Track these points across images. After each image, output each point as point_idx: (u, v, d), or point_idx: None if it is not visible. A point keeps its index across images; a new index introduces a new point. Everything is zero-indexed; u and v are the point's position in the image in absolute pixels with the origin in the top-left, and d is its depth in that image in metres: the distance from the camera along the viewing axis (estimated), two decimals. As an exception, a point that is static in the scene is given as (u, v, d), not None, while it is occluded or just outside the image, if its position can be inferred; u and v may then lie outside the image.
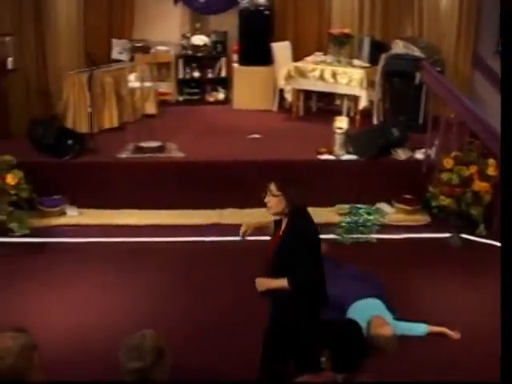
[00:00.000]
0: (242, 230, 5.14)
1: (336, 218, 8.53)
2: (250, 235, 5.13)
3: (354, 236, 8.35)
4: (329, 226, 8.37)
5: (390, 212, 8.66)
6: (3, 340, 3.52)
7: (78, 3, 11.02)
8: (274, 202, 4.74)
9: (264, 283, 4.84)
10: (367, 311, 6.08)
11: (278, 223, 4.95)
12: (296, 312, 4.83)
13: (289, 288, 4.68)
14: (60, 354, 5.66)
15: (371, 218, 8.48)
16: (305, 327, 4.87)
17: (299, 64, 11.02)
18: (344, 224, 8.42)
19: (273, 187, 4.75)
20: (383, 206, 8.70)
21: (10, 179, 7.86)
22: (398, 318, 6.19)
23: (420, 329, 6.16)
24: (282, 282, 4.69)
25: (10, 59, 9.53)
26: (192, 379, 5.32)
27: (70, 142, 8.87)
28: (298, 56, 11.51)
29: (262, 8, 11.74)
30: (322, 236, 8.05)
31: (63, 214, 8.57)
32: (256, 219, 5.35)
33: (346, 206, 8.64)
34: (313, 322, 4.87)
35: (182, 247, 8.14)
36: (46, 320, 6.33)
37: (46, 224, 8.43)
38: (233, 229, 8.27)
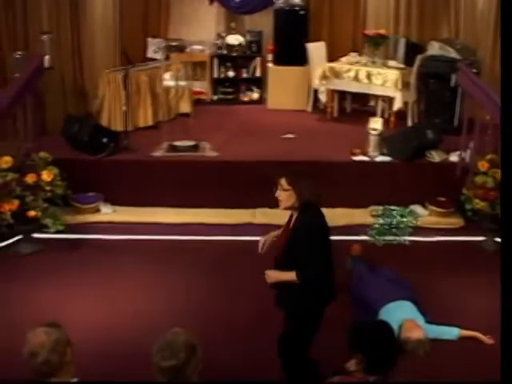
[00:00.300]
0: (260, 243, 5.25)
1: (369, 220, 8.50)
2: (268, 247, 5.21)
3: (387, 238, 8.32)
4: (362, 227, 8.36)
5: (424, 214, 8.61)
6: (37, 335, 3.56)
7: (115, 2, 11.08)
8: (285, 196, 4.79)
9: (273, 275, 4.93)
10: (399, 314, 6.05)
11: (288, 217, 5.02)
12: (302, 305, 4.89)
13: (297, 281, 4.75)
14: (90, 351, 5.70)
15: (404, 220, 8.45)
16: (310, 321, 4.97)
17: (334, 64, 11.00)
18: (377, 225, 8.39)
19: (283, 182, 4.78)
20: (417, 208, 8.66)
21: (46, 176, 7.93)
22: (430, 322, 6.15)
23: (452, 332, 6.12)
24: (291, 275, 4.77)
25: (46, 57, 9.61)
26: (223, 380, 5.34)
27: (104, 139, 8.94)
28: (332, 56, 11.49)
29: (297, 8, 11.73)
30: (355, 237, 8.17)
31: (97, 211, 8.63)
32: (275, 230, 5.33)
33: (380, 208, 8.62)
34: (318, 316, 4.99)
35: (213, 246, 8.17)
36: (78, 316, 6.37)
37: (81, 221, 8.50)
38: (265, 229, 8.33)
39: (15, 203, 7.73)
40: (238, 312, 6.63)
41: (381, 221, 8.44)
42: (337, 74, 10.82)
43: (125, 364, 5.72)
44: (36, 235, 8.24)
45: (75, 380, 3.66)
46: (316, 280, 4.79)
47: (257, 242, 8.01)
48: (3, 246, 8.13)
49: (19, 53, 9.67)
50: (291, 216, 5.00)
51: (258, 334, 6.21)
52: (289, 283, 4.84)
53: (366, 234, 8.32)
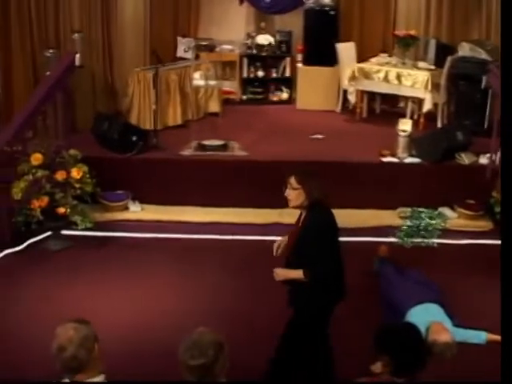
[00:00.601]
0: (275, 246, 5.28)
1: (397, 221, 8.47)
2: (283, 250, 5.22)
3: (415, 240, 8.29)
4: (390, 229, 8.34)
5: (453, 217, 8.56)
6: (65, 331, 3.59)
7: (145, 2, 11.14)
8: (294, 195, 4.84)
9: (282, 273, 4.97)
10: (426, 316, 6.01)
11: (298, 216, 5.07)
12: (312, 304, 4.93)
13: (305, 279, 4.78)
14: (115, 349, 5.70)
15: (433, 222, 8.40)
16: (318, 320, 5.02)
17: (363, 65, 10.97)
18: (405, 227, 8.36)
19: (292, 181, 4.84)
20: (445, 211, 8.61)
21: (75, 173, 7.99)
22: (458, 325, 6.11)
23: (480, 337, 6.07)
24: (299, 273, 4.82)
25: (77, 56, 9.68)
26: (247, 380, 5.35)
27: (134, 138, 8.98)
28: (362, 57, 11.45)
29: (327, 8, 11.69)
30: (382, 239, 8.13)
31: (126, 208, 8.67)
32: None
33: (408, 210, 8.58)
34: (327, 314, 5.04)
35: (241, 246, 8.18)
36: (104, 314, 6.41)
37: (109, 218, 8.55)
38: (292, 228, 8.35)
39: (45, 200, 7.81)
40: (264, 312, 6.63)
41: (409, 223, 8.41)
42: (366, 75, 10.79)
43: (150, 363, 5.75)
44: (65, 232, 8.30)
45: (102, 376, 3.68)
46: (325, 279, 4.83)
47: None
48: (33, 242, 8.20)
49: (50, 51, 9.77)
50: (300, 215, 5.04)
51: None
52: (299, 282, 4.88)
53: (394, 236, 8.30)
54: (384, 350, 4.05)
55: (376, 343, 4.15)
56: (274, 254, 5.24)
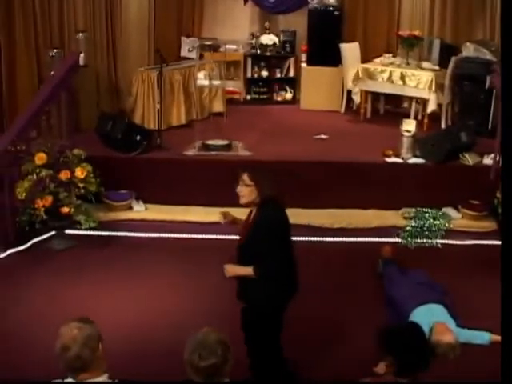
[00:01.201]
0: (222, 215, 5.29)
1: (401, 222, 8.46)
2: (227, 222, 5.30)
3: (419, 240, 8.29)
4: (394, 229, 8.33)
5: (456, 217, 8.55)
6: (69, 330, 3.58)
7: (149, 1, 11.14)
8: (246, 191, 4.87)
9: (231, 270, 5.00)
10: (430, 317, 6.01)
11: (248, 213, 5.10)
12: (264, 300, 4.94)
13: (254, 276, 4.80)
14: (117, 349, 5.70)
15: (437, 222, 8.39)
16: (271, 316, 5.02)
17: (368, 65, 10.96)
18: (409, 228, 8.35)
19: (245, 177, 4.87)
20: (449, 211, 8.60)
21: (79, 172, 8.00)
22: (461, 326, 6.11)
23: (483, 337, 6.07)
24: (249, 270, 4.85)
25: (81, 55, 9.69)
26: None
27: (137, 137, 8.98)
28: (366, 57, 11.44)
29: (331, 8, 11.70)
30: (386, 239, 8.12)
31: (130, 208, 8.67)
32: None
33: (412, 210, 8.57)
34: (280, 311, 5.07)
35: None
36: (107, 313, 6.40)
37: (113, 218, 8.56)
38: (296, 228, 8.34)
39: (49, 199, 7.82)
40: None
41: (413, 223, 8.40)
42: (370, 75, 10.78)
43: (153, 363, 5.75)
44: (69, 231, 8.31)
45: (105, 376, 3.68)
46: (274, 275, 4.86)
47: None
48: (37, 242, 8.21)
49: (55, 51, 9.78)
50: (251, 212, 5.06)
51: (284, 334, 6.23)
52: (249, 278, 4.90)
53: (397, 236, 8.29)
54: (388, 350, 4.05)
55: (380, 343, 4.15)
56: (221, 221, 5.29)
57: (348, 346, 6.05)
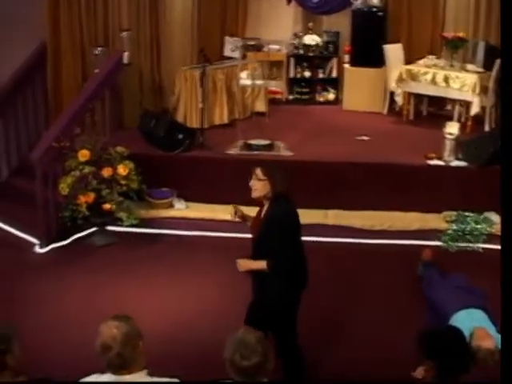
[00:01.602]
0: (233, 211, 5.43)
1: (442, 225, 8.40)
2: (238, 218, 5.43)
3: (460, 244, 8.22)
4: (435, 233, 8.27)
5: (498, 222, 8.46)
6: (109, 328, 3.60)
7: (193, 1, 11.18)
8: (259, 185, 4.97)
9: (244, 264, 5.06)
10: (470, 322, 5.95)
11: (259, 209, 5.20)
12: (275, 295, 5.01)
13: (267, 270, 4.91)
14: (157, 346, 5.73)
15: (479, 226, 8.32)
16: (282, 314, 5.10)
17: (411, 67, 10.89)
18: (450, 231, 8.29)
19: (259, 172, 4.96)
20: (491, 215, 8.51)
21: (122, 170, 8.07)
22: (502, 331, 6.04)
23: (524, 343, 6.00)
24: (262, 264, 4.92)
25: (125, 54, 9.77)
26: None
27: (180, 136, 9.03)
28: (409, 58, 11.36)
29: (375, 9, 11.64)
30: (426, 242, 8.07)
31: (171, 206, 8.72)
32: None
33: (454, 213, 8.50)
34: (292, 305, 5.14)
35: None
36: (144, 311, 6.39)
37: (154, 215, 8.61)
38: (336, 230, 8.34)
39: (91, 196, 7.90)
40: (302, 312, 6.63)
41: (454, 227, 8.33)
42: (414, 77, 10.71)
43: (188, 363, 5.74)
44: (110, 228, 8.39)
45: (144, 372, 3.69)
46: (286, 270, 4.94)
47: (328, 243, 8.13)
48: (78, 238, 8.31)
49: (99, 49, 9.85)
50: (261, 209, 5.17)
51: (320, 334, 6.22)
52: (263, 273, 4.97)
53: (438, 240, 8.23)
54: (427, 353, 4.02)
55: (419, 347, 4.12)
56: (232, 216, 5.44)
57: (387, 350, 6.02)
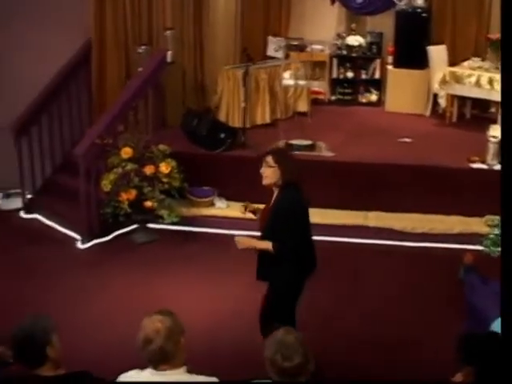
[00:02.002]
0: (243, 206, 5.69)
1: (484, 229, 8.31)
2: (250, 213, 5.64)
3: (502, 249, 8.13)
4: (476, 237, 8.19)
5: (542, 227, 8.36)
6: (152, 323, 3.63)
7: (237, 0, 11.21)
8: (269, 172, 5.09)
9: (245, 241, 5.23)
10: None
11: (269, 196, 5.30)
12: (281, 282, 5.20)
13: (272, 251, 5.05)
14: (191, 344, 5.76)
15: (521, 231, 8.21)
16: (289, 295, 5.29)
17: (455, 69, 10.79)
18: (492, 236, 8.19)
19: (269, 159, 5.09)
20: (535, 220, 8.40)
21: (164, 168, 8.12)
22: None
23: None
24: (267, 245, 5.08)
25: (169, 52, 9.81)
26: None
27: (222, 135, 9.06)
28: (454, 60, 11.26)
29: (419, 10, 11.56)
30: (468, 246, 8.00)
31: (212, 205, 8.76)
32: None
33: (496, 218, 8.39)
34: (297, 290, 5.31)
35: (323, 246, 8.16)
36: (184, 308, 6.38)
37: (195, 214, 8.66)
38: (377, 232, 8.32)
39: (133, 193, 7.96)
40: (343, 314, 6.62)
41: (496, 231, 8.23)
42: (457, 79, 10.61)
43: (221, 362, 5.73)
44: (151, 225, 8.45)
45: (184, 368, 3.71)
46: (291, 254, 5.08)
47: (368, 244, 8.10)
48: (120, 234, 8.38)
49: (143, 47, 9.91)
50: (270, 199, 5.26)
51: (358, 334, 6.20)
52: (270, 258, 5.13)
53: (480, 244, 8.15)
54: (467, 359, 3.98)
55: (459, 352, 4.08)
56: (243, 212, 5.68)
57: (424, 351, 6.00)
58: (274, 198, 5.20)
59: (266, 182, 5.15)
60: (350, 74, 12.37)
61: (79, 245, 8.21)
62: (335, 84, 12.42)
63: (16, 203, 9.24)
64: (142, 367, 3.73)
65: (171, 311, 3.76)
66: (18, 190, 9.25)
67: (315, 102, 11.38)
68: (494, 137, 8.78)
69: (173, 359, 3.63)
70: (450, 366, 4.16)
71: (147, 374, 3.68)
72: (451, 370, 4.13)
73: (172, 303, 6.30)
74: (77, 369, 3.89)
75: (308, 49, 12.00)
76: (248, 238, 5.27)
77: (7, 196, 9.29)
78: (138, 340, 3.62)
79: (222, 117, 10.14)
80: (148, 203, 8.05)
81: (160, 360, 3.62)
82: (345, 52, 12.29)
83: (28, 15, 9.09)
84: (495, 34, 10.91)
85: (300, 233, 5.12)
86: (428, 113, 11.39)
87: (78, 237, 8.31)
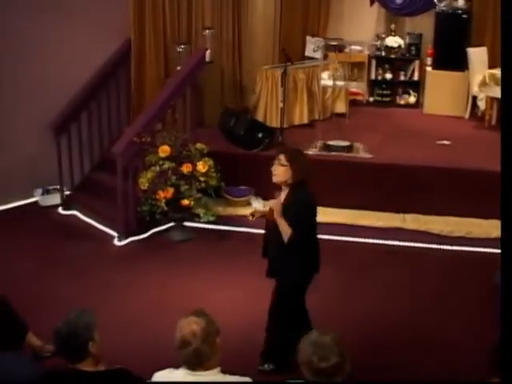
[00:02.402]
0: (250, 212, 5.69)
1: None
2: (257, 217, 5.63)
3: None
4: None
5: None
6: (189, 324, 3.64)
7: (276, 0, 11.20)
8: (281, 171, 5.13)
9: (278, 209, 5.15)
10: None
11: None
12: (292, 276, 5.33)
13: (286, 239, 5.11)
14: (229, 343, 5.75)
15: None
16: (295, 291, 5.45)
17: (495, 71, 10.67)
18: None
19: (282, 157, 5.13)
20: None
21: (201, 166, 8.13)
22: None
23: None
24: (287, 228, 5.09)
25: (208, 52, 9.84)
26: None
27: (260, 135, 9.07)
28: (494, 62, 11.12)
29: (459, 11, 11.47)
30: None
31: (248, 204, 8.72)
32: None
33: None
34: (305, 286, 5.47)
35: (360, 248, 8.15)
36: (218, 308, 6.36)
37: (231, 213, 8.67)
38: (415, 234, 8.27)
39: (170, 191, 7.98)
40: (379, 316, 6.60)
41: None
42: (498, 81, 10.48)
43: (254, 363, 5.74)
44: (187, 224, 8.48)
45: (218, 369, 3.72)
46: (301, 246, 5.17)
47: (405, 247, 8.06)
48: (156, 232, 8.43)
49: (182, 46, 9.96)
50: (282, 193, 5.30)
51: (390, 339, 6.18)
52: (280, 253, 5.28)
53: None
54: (498, 366, 3.92)
55: (491, 359, 4.03)
56: (250, 219, 5.65)
57: (453, 355, 5.95)
58: (284, 197, 5.25)
59: (276, 179, 5.21)
60: (388, 76, 12.33)
61: (116, 242, 8.27)
62: (373, 85, 12.38)
63: (55, 199, 9.34)
64: (176, 366, 3.75)
65: (206, 312, 3.77)
66: (57, 187, 9.34)
67: (353, 103, 11.32)
68: (534, 140, 8.67)
69: (208, 361, 3.65)
70: (484, 370, 4.14)
71: (181, 374, 3.70)
72: (485, 373, 4.11)
73: (206, 302, 6.28)
74: (115, 363, 3.93)
75: (347, 49, 11.92)
76: (280, 214, 5.18)
77: (46, 192, 9.38)
78: (175, 341, 3.64)
79: (259, 116, 10.14)
80: (185, 201, 8.08)
81: (196, 362, 3.63)
82: (384, 53, 12.25)
83: (66, 15, 9.16)
84: (537, 36, 10.78)
85: (309, 229, 5.25)
86: (467, 115, 11.30)
87: (114, 234, 8.38)
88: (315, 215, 5.30)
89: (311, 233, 5.32)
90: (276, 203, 5.21)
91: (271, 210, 5.31)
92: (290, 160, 5.11)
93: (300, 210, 5.12)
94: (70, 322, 3.86)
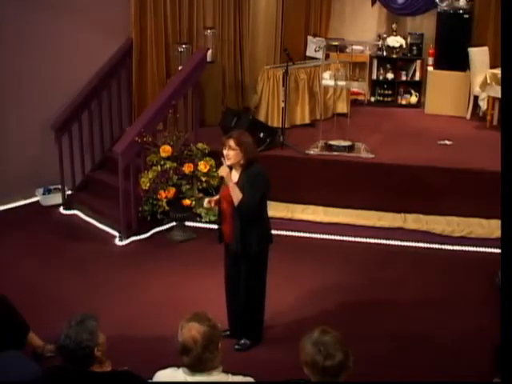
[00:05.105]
0: (206, 204, 6.06)
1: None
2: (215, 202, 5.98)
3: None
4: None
5: None
6: (189, 330, 3.62)
7: (277, 0, 11.20)
8: (233, 154, 5.59)
9: (227, 175, 5.60)
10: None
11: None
12: (253, 245, 5.77)
13: (236, 202, 5.53)
14: (228, 344, 5.72)
15: None
16: (259, 260, 5.94)
17: (497, 71, 10.67)
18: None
19: (231, 143, 5.58)
20: None
21: (202, 166, 8.13)
22: None
23: None
24: (238, 192, 5.52)
25: (209, 51, 9.85)
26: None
27: (261, 134, 9.05)
28: (495, 62, 11.15)
29: (461, 11, 11.47)
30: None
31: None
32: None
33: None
34: (264, 257, 5.97)
35: (362, 248, 8.14)
36: (217, 308, 6.38)
37: (232, 213, 8.64)
38: (416, 234, 8.25)
39: (171, 191, 7.98)
40: (382, 315, 6.59)
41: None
42: (499, 81, 10.50)
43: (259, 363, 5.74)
44: (189, 223, 8.46)
45: (219, 369, 3.71)
46: (252, 212, 5.60)
47: (406, 247, 8.05)
48: (157, 232, 8.43)
49: (183, 46, 9.97)
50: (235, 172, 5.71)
51: (391, 339, 6.18)
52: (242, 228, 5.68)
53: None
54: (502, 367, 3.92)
55: (494, 360, 4.03)
56: (205, 205, 6.07)
57: (453, 355, 5.94)
58: (238, 176, 5.65)
59: (230, 162, 5.61)
60: (390, 76, 12.34)
61: (117, 241, 8.26)
62: (375, 85, 12.40)
63: (56, 199, 9.33)
64: (178, 365, 3.74)
65: (208, 316, 3.75)
66: (58, 187, 9.34)
67: (355, 103, 11.35)
68: (535, 140, 8.67)
69: (208, 365, 3.64)
70: (484, 370, 4.14)
71: (183, 374, 3.70)
72: (486, 373, 4.11)
73: (207, 302, 6.35)
74: (117, 363, 3.92)
75: (348, 49, 11.93)
76: (231, 180, 5.60)
77: (48, 192, 9.38)
78: (176, 345, 3.63)
79: (261, 116, 10.15)
80: (186, 201, 8.07)
81: (196, 367, 3.62)
82: (385, 53, 12.27)
83: (68, 14, 9.16)
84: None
85: (261, 200, 5.66)
86: (468, 115, 11.30)
87: (116, 233, 8.37)
88: (268, 187, 5.72)
89: (263, 206, 5.74)
90: (223, 169, 5.61)
91: (224, 190, 5.72)
92: (238, 143, 5.55)
93: (250, 179, 5.54)
94: (73, 335, 3.80)
